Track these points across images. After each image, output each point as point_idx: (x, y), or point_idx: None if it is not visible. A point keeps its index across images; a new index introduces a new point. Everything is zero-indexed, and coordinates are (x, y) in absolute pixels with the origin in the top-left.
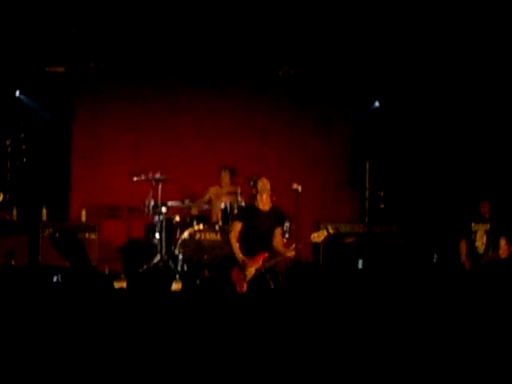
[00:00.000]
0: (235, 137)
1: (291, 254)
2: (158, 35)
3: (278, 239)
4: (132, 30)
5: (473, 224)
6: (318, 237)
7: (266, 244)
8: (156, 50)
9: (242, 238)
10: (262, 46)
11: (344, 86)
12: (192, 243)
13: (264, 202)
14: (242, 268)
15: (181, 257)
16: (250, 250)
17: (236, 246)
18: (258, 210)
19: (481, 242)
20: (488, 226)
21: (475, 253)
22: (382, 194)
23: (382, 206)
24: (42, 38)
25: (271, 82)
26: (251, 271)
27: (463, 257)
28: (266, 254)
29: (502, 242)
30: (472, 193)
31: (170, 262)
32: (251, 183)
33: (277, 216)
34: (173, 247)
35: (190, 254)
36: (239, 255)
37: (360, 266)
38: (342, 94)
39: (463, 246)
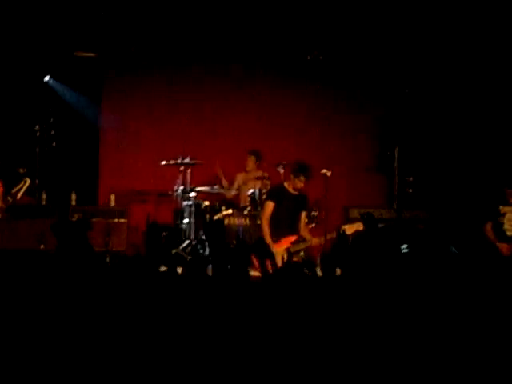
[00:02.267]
0: (263, 122)
1: (317, 242)
2: (187, 20)
3: (304, 225)
4: (160, 14)
5: (501, 207)
6: (350, 229)
7: (292, 227)
8: (184, 35)
9: (270, 219)
10: (291, 30)
11: (373, 71)
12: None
13: (294, 188)
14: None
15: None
16: (277, 231)
17: (267, 228)
18: (287, 191)
19: (509, 224)
20: None
21: (504, 235)
22: (410, 179)
23: (411, 191)
24: (71, 22)
25: (300, 66)
26: (279, 252)
27: (492, 239)
28: (294, 238)
29: None
30: (500, 177)
31: (199, 246)
32: (296, 170)
33: (303, 200)
34: (201, 232)
35: None
36: (268, 239)
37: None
38: (371, 79)
39: (489, 229)
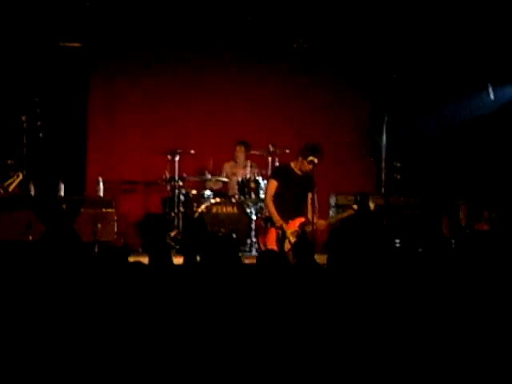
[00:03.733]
0: (250, 110)
1: (323, 225)
2: (174, 8)
3: (310, 208)
4: (147, 2)
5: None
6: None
7: (298, 209)
8: (171, 24)
9: (276, 200)
10: (276, 18)
11: (360, 57)
12: (209, 217)
13: (301, 169)
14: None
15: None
16: (283, 213)
17: (272, 207)
18: (293, 171)
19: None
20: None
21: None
22: (398, 165)
23: (399, 177)
24: (56, 12)
25: (286, 54)
26: (289, 233)
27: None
28: (303, 219)
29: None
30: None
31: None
32: (305, 151)
33: (309, 182)
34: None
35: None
36: (277, 217)
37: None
38: (359, 65)
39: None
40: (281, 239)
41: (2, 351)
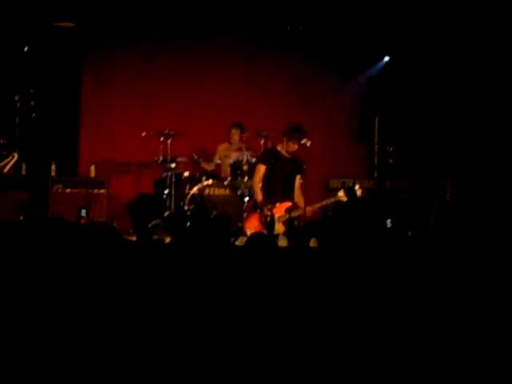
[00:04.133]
0: (244, 92)
1: (310, 210)
2: None
3: (298, 192)
4: None
5: None
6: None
7: (287, 192)
8: (163, 7)
9: (262, 184)
10: (270, 1)
11: (354, 40)
12: (201, 198)
13: (288, 151)
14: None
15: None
16: (271, 196)
17: (259, 191)
18: (280, 154)
19: None
20: None
21: None
22: (391, 149)
23: (391, 161)
24: None
25: (280, 37)
26: (276, 217)
27: None
28: (290, 204)
29: None
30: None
31: (180, 217)
32: (290, 132)
33: (298, 164)
34: (182, 202)
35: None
36: (261, 201)
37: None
38: (352, 48)
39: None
40: (269, 223)
41: None
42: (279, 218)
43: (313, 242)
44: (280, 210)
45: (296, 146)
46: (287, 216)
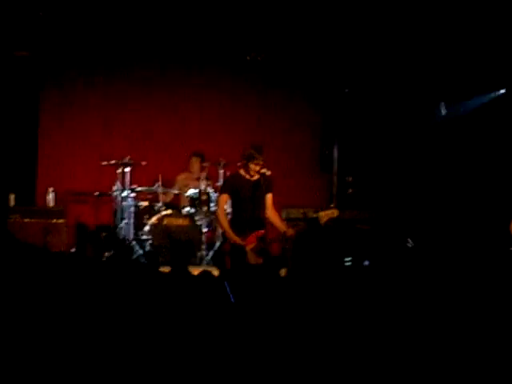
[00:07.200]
0: (204, 122)
1: (291, 232)
2: (125, 19)
3: (271, 209)
4: (99, 12)
5: None
6: (325, 216)
7: (257, 216)
8: (123, 35)
9: (232, 213)
10: (230, 31)
11: (313, 71)
12: (160, 228)
13: (252, 174)
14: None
15: (149, 242)
16: (241, 224)
17: (225, 223)
18: (244, 179)
19: None
20: None
21: None
22: (350, 179)
23: (351, 191)
24: (8, 22)
25: (240, 67)
26: (249, 249)
27: None
28: (261, 232)
29: None
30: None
31: (138, 246)
32: (251, 153)
33: (265, 183)
34: (140, 232)
35: (158, 239)
36: (231, 234)
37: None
38: (311, 79)
39: None
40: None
41: None
42: (252, 248)
43: (283, 272)
44: (251, 240)
45: (259, 165)
46: (259, 246)
